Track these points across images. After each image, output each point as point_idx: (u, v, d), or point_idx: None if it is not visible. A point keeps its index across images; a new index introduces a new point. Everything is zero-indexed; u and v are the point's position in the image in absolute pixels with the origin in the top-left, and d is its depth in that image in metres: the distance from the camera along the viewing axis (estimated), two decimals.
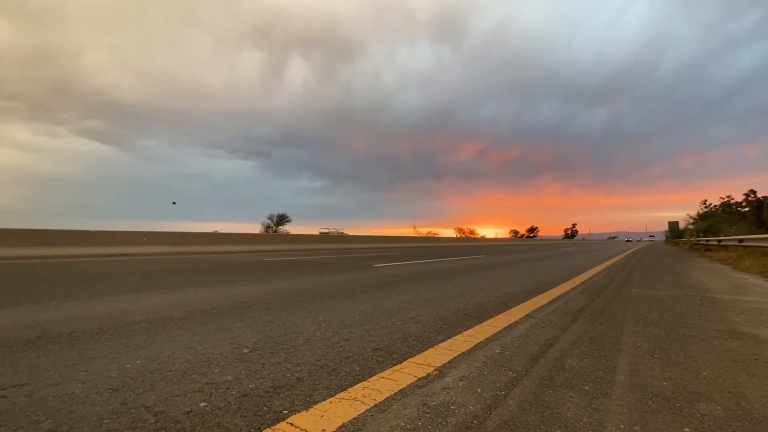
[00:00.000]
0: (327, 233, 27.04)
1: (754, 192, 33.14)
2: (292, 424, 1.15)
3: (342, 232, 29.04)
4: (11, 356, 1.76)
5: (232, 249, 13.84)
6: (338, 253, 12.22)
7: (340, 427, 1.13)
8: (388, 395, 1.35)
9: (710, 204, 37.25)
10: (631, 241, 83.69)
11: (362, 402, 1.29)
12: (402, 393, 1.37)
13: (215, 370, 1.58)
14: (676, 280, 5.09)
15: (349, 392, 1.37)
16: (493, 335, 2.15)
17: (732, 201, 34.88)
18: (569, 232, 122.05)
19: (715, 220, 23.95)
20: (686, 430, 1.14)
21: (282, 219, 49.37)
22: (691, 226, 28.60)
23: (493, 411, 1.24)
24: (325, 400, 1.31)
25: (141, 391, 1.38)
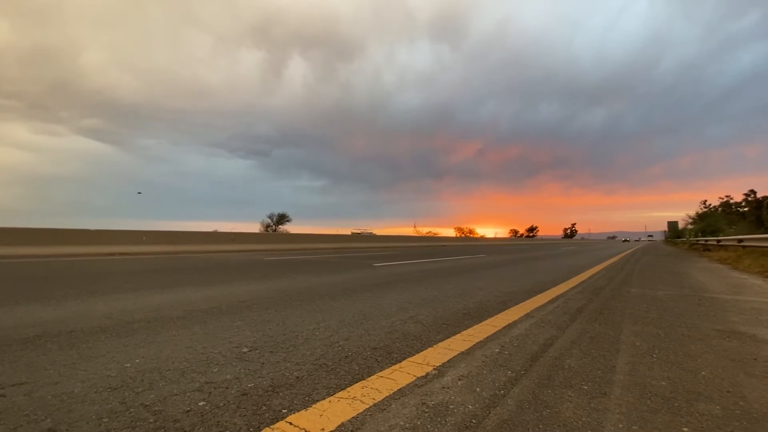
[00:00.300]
0: (359, 233, 29.00)
1: (754, 192, 33.16)
2: (291, 423, 1.15)
3: (371, 233, 31.01)
4: (10, 355, 1.75)
5: (232, 248, 13.84)
6: (338, 253, 12.22)
7: (339, 426, 1.13)
8: (387, 394, 1.35)
9: (710, 204, 37.29)
10: (628, 241, 78.10)
11: (361, 401, 1.29)
12: (401, 392, 1.37)
13: (214, 369, 1.58)
14: (675, 279, 5.10)
15: (349, 391, 1.37)
16: (492, 335, 2.15)
17: (731, 201, 34.91)
18: (568, 231, 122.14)
19: (714, 220, 23.99)
20: (685, 429, 1.14)
21: (282, 218, 49.43)
22: (690, 226, 28.65)
23: (492, 410, 1.25)
24: (324, 399, 1.31)
25: (140, 390, 1.38)
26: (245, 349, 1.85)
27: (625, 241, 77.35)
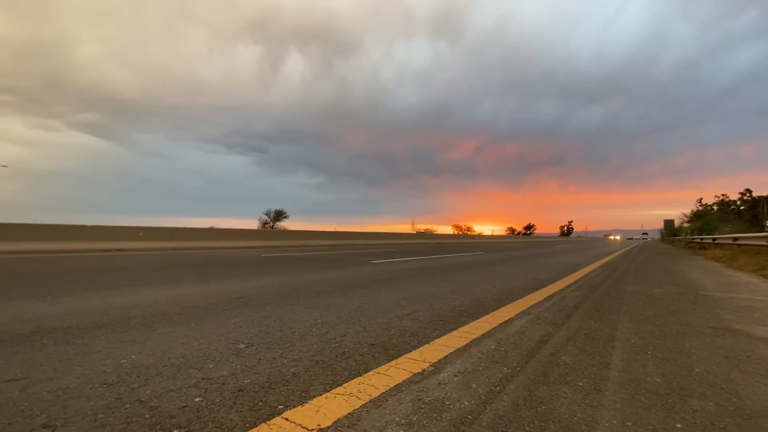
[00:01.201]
0: (422, 232, 30.69)
1: (749, 191, 33.41)
2: (287, 419, 1.15)
3: (430, 231, 33.67)
4: (5, 350, 1.75)
5: (229, 244, 13.81)
6: (335, 249, 12.22)
7: (335, 422, 1.13)
8: (384, 390, 1.35)
9: (705, 203, 37.58)
10: (618, 239, 67.54)
11: (358, 397, 1.30)
12: (397, 388, 1.38)
13: (211, 366, 1.58)
14: (670, 277, 5.13)
15: (345, 387, 1.38)
16: (488, 331, 2.16)
17: (727, 200, 35.21)
18: (565, 229, 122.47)
19: (710, 218, 24.17)
20: (678, 425, 1.15)
21: (279, 215, 49.21)
22: (686, 224, 28.88)
23: (488, 406, 1.25)
24: (320, 395, 1.32)
25: (136, 386, 1.38)
26: (242, 345, 1.85)
27: (615, 239, 68.32)
